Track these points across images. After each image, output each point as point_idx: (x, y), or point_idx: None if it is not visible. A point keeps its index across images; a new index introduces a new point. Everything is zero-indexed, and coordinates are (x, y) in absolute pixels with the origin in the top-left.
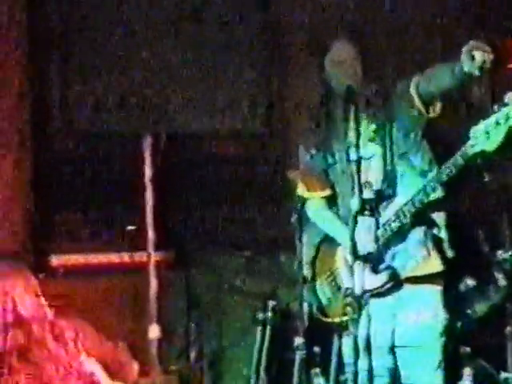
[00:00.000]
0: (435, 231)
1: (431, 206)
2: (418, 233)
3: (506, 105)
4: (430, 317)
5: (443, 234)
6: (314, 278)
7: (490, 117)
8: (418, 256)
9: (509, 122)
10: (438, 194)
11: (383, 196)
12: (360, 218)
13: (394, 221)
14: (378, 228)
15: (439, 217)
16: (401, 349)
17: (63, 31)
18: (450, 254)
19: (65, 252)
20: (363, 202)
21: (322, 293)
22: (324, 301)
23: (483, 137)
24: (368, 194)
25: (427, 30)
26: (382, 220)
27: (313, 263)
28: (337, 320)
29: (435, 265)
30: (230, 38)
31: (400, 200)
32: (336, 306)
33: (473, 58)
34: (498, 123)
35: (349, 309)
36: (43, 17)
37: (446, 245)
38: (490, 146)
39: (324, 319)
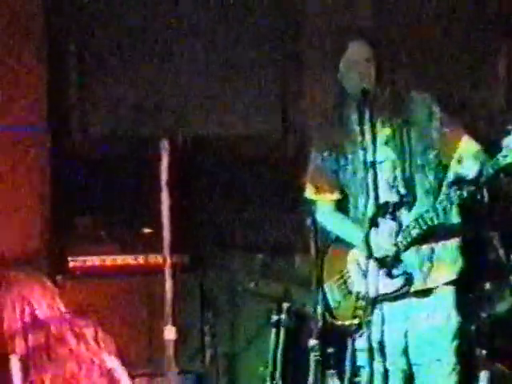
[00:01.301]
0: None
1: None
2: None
3: None
4: (442, 319)
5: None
6: (321, 280)
7: None
8: (423, 269)
9: None
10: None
11: (405, 202)
12: (381, 221)
13: (414, 227)
14: (398, 232)
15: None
16: (414, 351)
17: (81, 36)
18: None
19: (82, 254)
20: (382, 205)
21: (330, 295)
22: (333, 303)
23: None
24: (393, 197)
25: (443, 34)
26: (403, 224)
27: (321, 265)
28: (347, 323)
29: (442, 274)
30: (246, 41)
31: (420, 208)
32: (345, 309)
33: None
34: None
35: (360, 312)
36: (62, 22)
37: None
38: None
39: (333, 321)
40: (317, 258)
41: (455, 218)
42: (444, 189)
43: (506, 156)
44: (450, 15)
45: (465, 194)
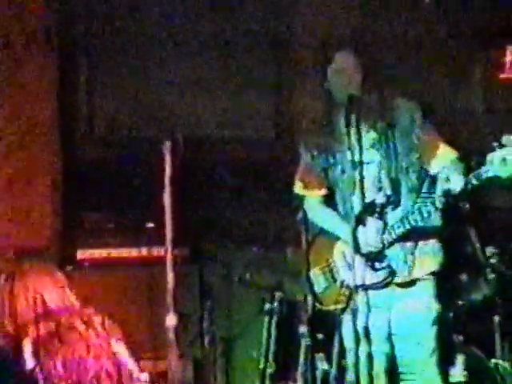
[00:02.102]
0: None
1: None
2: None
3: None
4: (423, 307)
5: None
6: (308, 268)
7: (508, 146)
8: (407, 262)
9: None
10: (434, 221)
11: (390, 201)
12: (369, 219)
13: (399, 227)
14: (384, 229)
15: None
16: (397, 336)
17: (88, 48)
18: (440, 256)
19: (90, 247)
20: (370, 204)
21: (316, 282)
22: (318, 289)
23: (500, 163)
24: (380, 199)
25: (425, 43)
26: (388, 222)
27: (307, 254)
28: (331, 308)
29: (424, 267)
30: (242, 50)
31: (405, 207)
32: (330, 295)
33: (504, 161)
34: None
35: (344, 298)
36: (72, 37)
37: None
38: (506, 172)
39: (318, 306)
40: (307, 249)
41: (437, 221)
42: (425, 190)
43: (487, 170)
44: (432, 29)
45: (450, 201)
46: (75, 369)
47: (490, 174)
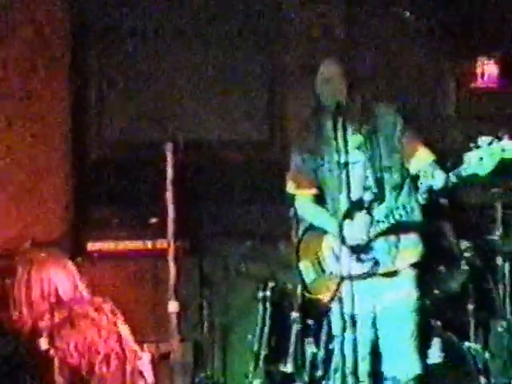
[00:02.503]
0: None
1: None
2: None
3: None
4: (404, 296)
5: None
6: (298, 260)
7: (484, 147)
8: (390, 254)
9: (502, 155)
10: (416, 216)
11: (374, 198)
12: (354, 213)
13: (384, 222)
14: (369, 224)
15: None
16: (381, 322)
17: (99, 61)
18: (420, 248)
19: (99, 240)
20: (357, 201)
21: (306, 273)
22: (308, 280)
23: (477, 163)
24: (365, 195)
25: (404, 55)
26: (373, 217)
27: (297, 247)
28: (320, 296)
29: (406, 259)
30: (238, 59)
31: (388, 204)
32: (319, 285)
33: (481, 160)
34: (492, 153)
35: (332, 288)
36: (83, 46)
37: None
38: (482, 171)
39: (308, 295)
40: (298, 242)
41: (418, 216)
42: (406, 188)
43: (466, 169)
44: (411, 41)
45: (431, 197)
46: (87, 351)
47: (469, 172)
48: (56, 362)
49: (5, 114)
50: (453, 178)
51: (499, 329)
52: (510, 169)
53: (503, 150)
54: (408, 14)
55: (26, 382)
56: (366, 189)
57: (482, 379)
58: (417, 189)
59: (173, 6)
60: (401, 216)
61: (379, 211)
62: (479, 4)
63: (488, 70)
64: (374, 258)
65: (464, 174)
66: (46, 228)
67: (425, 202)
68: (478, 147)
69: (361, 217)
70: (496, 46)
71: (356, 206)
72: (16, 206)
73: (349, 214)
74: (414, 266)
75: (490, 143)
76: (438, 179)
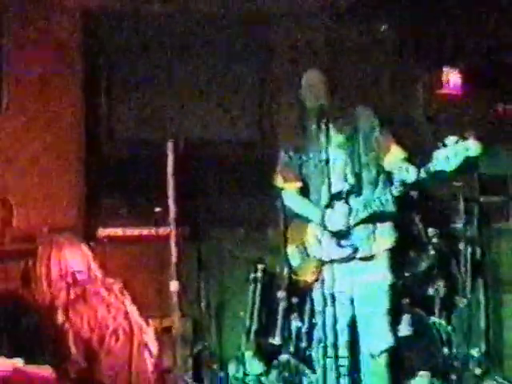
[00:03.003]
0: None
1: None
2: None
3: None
4: (379, 277)
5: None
6: (285, 246)
7: (450, 146)
8: (368, 240)
9: (466, 153)
10: (390, 207)
11: (353, 191)
12: (336, 204)
13: (362, 212)
14: (348, 213)
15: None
16: (358, 300)
17: (109, 68)
18: (394, 236)
19: (109, 226)
20: (337, 193)
21: (292, 257)
22: (294, 263)
23: (445, 160)
24: (345, 187)
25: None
26: (352, 208)
27: (284, 234)
28: (304, 278)
29: (381, 245)
30: (232, 71)
31: (366, 196)
32: (303, 268)
33: (447, 158)
34: (457, 152)
35: (315, 270)
36: (96, 57)
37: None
38: (449, 167)
39: (294, 277)
40: (284, 230)
41: (391, 207)
42: (381, 182)
43: (435, 165)
44: (386, 52)
45: (404, 190)
46: (97, 326)
47: (437, 168)
48: (70, 334)
49: (27, 115)
50: (423, 174)
51: (461, 305)
52: (472, 166)
53: (467, 150)
54: (383, 27)
55: (44, 349)
56: (344, 182)
57: (445, 349)
58: (391, 183)
59: (174, 23)
60: (377, 207)
61: (358, 202)
62: (446, 21)
63: (452, 78)
64: (352, 244)
65: (433, 169)
66: (62, 216)
67: (398, 195)
68: (445, 146)
69: (340, 207)
70: (460, 57)
71: (336, 197)
72: (36, 197)
73: (330, 205)
74: (388, 251)
75: (456, 143)
76: (409, 174)
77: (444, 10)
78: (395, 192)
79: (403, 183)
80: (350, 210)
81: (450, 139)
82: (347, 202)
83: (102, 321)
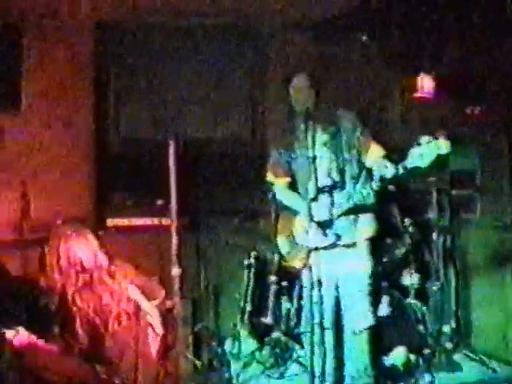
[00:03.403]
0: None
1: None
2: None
3: (430, 141)
4: (361, 263)
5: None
6: (276, 235)
7: (424, 145)
8: (350, 230)
9: (438, 151)
10: (371, 200)
11: (337, 185)
12: (321, 197)
13: (345, 204)
14: (332, 205)
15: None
16: (341, 284)
17: (117, 74)
18: (373, 225)
19: (116, 217)
20: (322, 187)
21: (282, 245)
22: (284, 250)
23: (419, 157)
24: (329, 182)
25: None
26: (336, 200)
27: (275, 224)
28: (293, 264)
29: (362, 234)
30: (228, 76)
31: (349, 190)
32: (292, 255)
33: (421, 155)
34: (430, 150)
35: (302, 257)
36: (105, 63)
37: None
38: (423, 164)
39: (283, 263)
40: (275, 220)
41: (372, 199)
42: (362, 179)
43: (410, 162)
44: (366, 59)
45: (383, 185)
46: (102, 311)
47: (412, 165)
48: (77, 317)
49: (43, 116)
50: (400, 170)
51: (434, 288)
52: (443, 162)
53: (439, 148)
54: (364, 37)
55: (55, 328)
56: (328, 177)
57: (420, 327)
58: (371, 178)
59: (175, 35)
60: (358, 200)
61: (341, 196)
62: (421, 32)
63: (426, 83)
64: (336, 233)
65: (409, 166)
66: (74, 208)
67: (377, 189)
68: (419, 145)
69: (324, 199)
70: (433, 65)
71: (322, 191)
72: (51, 191)
73: (316, 198)
74: (368, 239)
75: (429, 142)
76: (388, 170)
77: (419, 23)
78: (375, 186)
79: (382, 178)
80: (334, 202)
81: (424, 139)
82: (331, 196)
83: (106, 307)
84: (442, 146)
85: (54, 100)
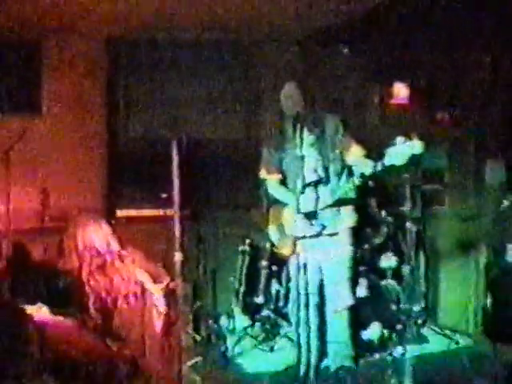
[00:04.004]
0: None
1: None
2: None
3: (405, 142)
4: (343, 250)
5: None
6: (267, 225)
7: (399, 145)
8: (334, 220)
9: (413, 151)
10: (352, 194)
11: (322, 181)
12: (308, 191)
13: (329, 197)
14: (318, 199)
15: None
16: (325, 269)
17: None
18: (354, 216)
19: (126, 208)
20: (309, 183)
21: (272, 234)
22: (274, 239)
23: (395, 156)
24: (315, 178)
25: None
26: (321, 194)
27: (267, 215)
28: (282, 251)
29: (344, 224)
30: (226, 85)
31: (333, 185)
32: (282, 243)
33: (397, 154)
34: (405, 150)
35: (290, 245)
36: (116, 75)
37: (352, 210)
38: (399, 162)
39: (274, 249)
40: (266, 212)
41: (353, 194)
42: (345, 175)
43: (389, 160)
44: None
45: (363, 180)
46: (112, 291)
47: (389, 163)
48: (91, 296)
49: (60, 119)
50: (378, 167)
51: (406, 271)
52: (416, 160)
53: (412, 148)
54: (346, 50)
55: (71, 306)
56: (314, 173)
57: (394, 306)
58: (353, 175)
59: (177, 48)
60: (341, 194)
61: (326, 190)
62: (398, 44)
63: (402, 91)
64: (321, 224)
65: (386, 164)
66: (88, 200)
67: (358, 184)
68: (395, 145)
69: (311, 193)
70: (408, 74)
71: (308, 186)
72: (68, 185)
73: (303, 192)
74: (349, 228)
75: (404, 142)
76: (367, 168)
77: (396, 38)
78: (356, 182)
79: (362, 175)
80: (319, 196)
81: (399, 139)
82: (317, 190)
83: (116, 287)
84: (416, 146)
85: (71, 105)
